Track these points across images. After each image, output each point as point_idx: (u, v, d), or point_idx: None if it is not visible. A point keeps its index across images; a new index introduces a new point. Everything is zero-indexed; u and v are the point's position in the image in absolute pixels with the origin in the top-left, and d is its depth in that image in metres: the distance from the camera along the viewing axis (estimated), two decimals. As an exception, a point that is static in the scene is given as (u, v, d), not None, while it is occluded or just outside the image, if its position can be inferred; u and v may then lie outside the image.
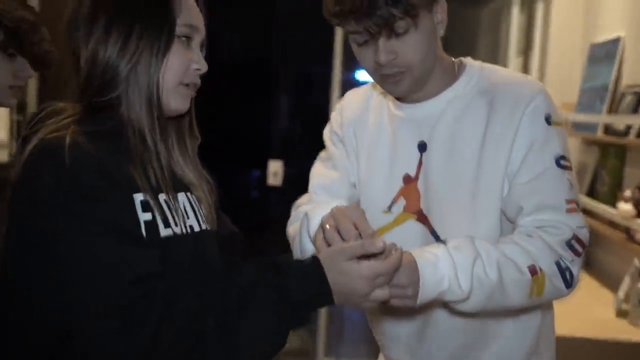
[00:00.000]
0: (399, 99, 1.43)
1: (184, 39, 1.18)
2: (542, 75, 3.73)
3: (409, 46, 1.28)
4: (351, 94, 1.57)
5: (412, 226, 1.41)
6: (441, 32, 1.35)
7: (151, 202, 1.11)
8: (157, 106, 1.15)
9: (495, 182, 1.34)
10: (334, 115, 1.56)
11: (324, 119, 1.65)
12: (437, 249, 1.26)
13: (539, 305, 1.40)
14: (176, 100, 1.19)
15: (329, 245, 1.19)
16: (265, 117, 4.78)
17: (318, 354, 4.04)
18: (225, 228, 1.35)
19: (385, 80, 1.34)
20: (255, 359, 1.08)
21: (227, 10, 4.31)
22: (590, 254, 3.10)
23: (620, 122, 2.77)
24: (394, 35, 1.26)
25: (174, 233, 1.14)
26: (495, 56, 4.14)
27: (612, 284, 2.70)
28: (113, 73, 1.12)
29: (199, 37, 1.21)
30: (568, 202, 1.32)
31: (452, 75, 1.41)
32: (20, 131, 1.13)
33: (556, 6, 3.64)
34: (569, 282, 1.30)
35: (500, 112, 1.35)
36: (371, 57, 1.30)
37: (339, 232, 1.19)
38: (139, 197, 1.09)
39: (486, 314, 1.34)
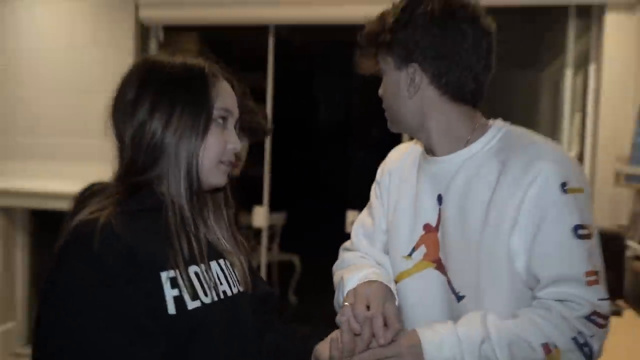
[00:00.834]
0: (428, 152, 1.32)
1: (220, 121, 1.14)
2: (596, 131, 3.52)
3: (382, 86, 1.30)
4: (396, 149, 1.48)
5: (431, 274, 1.27)
6: (413, 96, 1.25)
7: (179, 278, 1.04)
8: (197, 182, 1.11)
9: (497, 247, 1.18)
10: (380, 166, 1.47)
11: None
12: (444, 329, 1.12)
13: None
14: (215, 177, 1.15)
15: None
16: (346, 171, 4.72)
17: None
18: (261, 289, 1.28)
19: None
20: None
21: (326, 79, 4.33)
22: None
23: (669, 173, 2.51)
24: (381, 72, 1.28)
25: (203, 303, 1.07)
26: (555, 114, 3.96)
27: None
28: (155, 154, 1.09)
29: (233, 119, 1.18)
30: (587, 274, 1.13)
31: (468, 135, 1.27)
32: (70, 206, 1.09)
33: (607, 67, 3.44)
34: (589, 356, 1.11)
35: (510, 174, 1.18)
36: None
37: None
38: (166, 275, 1.03)
39: None
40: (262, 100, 3.97)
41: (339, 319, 1.19)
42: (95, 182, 1.13)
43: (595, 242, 1.17)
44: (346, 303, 1.19)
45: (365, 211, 1.47)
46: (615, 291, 2.76)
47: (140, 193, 1.08)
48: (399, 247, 1.32)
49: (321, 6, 3.72)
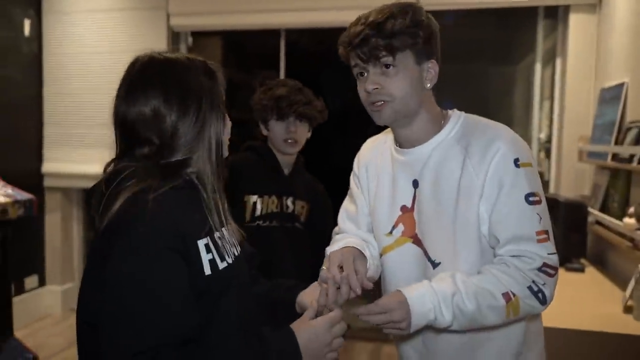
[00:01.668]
0: (399, 145, 1.31)
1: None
2: (562, 115, 3.49)
3: (392, 82, 1.20)
4: (368, 142, 1.46)
5: (409, 247, 1.29)
6: (428, 85, 1.23)
7: (210, 244, 1.05)
8: (221, 158, 1.11)
9: (469, 215, 1.20)
10: (355, 159, 1.45)
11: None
12: (423, 287, 1.15)
13: (523, 318, 1.24)
14: (226, 151, 1.15)
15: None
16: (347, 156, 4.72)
17: None
18: (245, 249, 1.26)
19: (372, 107, 1.24)
20: None
21: (330, 77, 4.32)
22: (605, 257, 2.83)
23: (625, 151, 2.51)
24: (380, 68, 1.20)
25: (228, 263, 1.08)
26: (527, 102, 3.92)
27: (621, 283, 2.40)
28: (190, 141, 1.07)
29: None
30: (538, 233, 1.16)
31: (439, 124, 1.27)
32: (102, 186, 1.05)
33: (571, 60, 3.42)
34: (543, 300, 1.16)
35: (474, 157, 1.20)
36: (363, 88, 1.23)
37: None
38: (202, 242, 1.03)
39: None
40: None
41: (318, 282, 1.23)
42: (120, 163, 1.08)
43: (543, 206, 1.19)
44: (323, 267, 1.21)
45: (347, 199, 1.45)
46: (579, 252, 2.77)
47: (174, 173, 1.06)
48: (380, 226, 1.33)
49: (325, 12, 3.72)
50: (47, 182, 4.26)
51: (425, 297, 1.13)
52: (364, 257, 1.27)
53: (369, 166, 1.39)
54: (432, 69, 1.22)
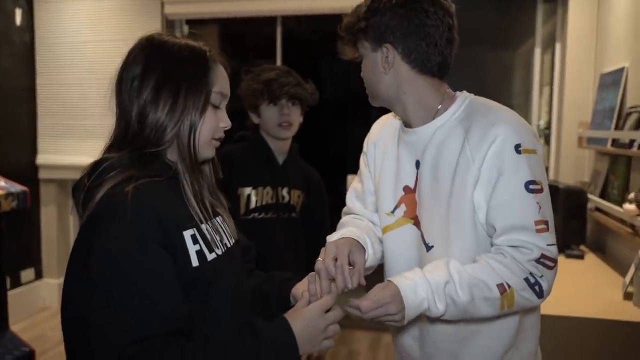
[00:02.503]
0: (406, 125, 1.30)
1: (216, 102, 1.10)
2: (561, 101, 3.48)
3: (363, 71, 1.28)
4: (377, 122, 1.45)
5: (409, 229, 1.27)
6: (388, 72, 1.23)
7: (197, 234, 1.04)
8: (195, 155, 1.08)
9: (462, 200, 1.17)
10: (365, 139, 1.44)
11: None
12: (415, 275, 1.13)
13: (517, 311, 1.21)
14: (207, 151, 1.12)
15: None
16: (345, 142, 4.71)
17: None
18: (241, 242, 1.26)
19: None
20: None
21: (327, 63, 4.30)
22: (605, 244, 2.84)
23: (625, 137, 2.51)
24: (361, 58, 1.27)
25: (217, 255, 1.07)
26: (527, 88, 3.92)
27: (621, 269, 2.40)
28: (162, 129, 1.05)
29: (225, 101, 1.14)
30: (537, 223, 1.12)
31: (434, 107, 1.25)
32: (84, 179, 1.04)
33: (571, 46, 3.40)
34: (539, 294, 1.13)
35: (473, 139, 1.17)
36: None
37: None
38: (188, 233, 1.02)
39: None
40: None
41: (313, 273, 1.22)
42: (102, 156, 1.08)
43: (545, 195, 1.15)
44: (319, 259, 1.20)
45: (356, 178, 1.46)
46: (578, 238, 2.78)
47: (153, 163, 1.05)
48: (383, 205, 1.32)
49: (322, -2, 3.70)
50: (42, 174, 4.26)
51: (418, 287, 1.11)
52: (362, 248, 1.27)
53: (377, 144, 1.38)
54: (386, 54, 1.21)
